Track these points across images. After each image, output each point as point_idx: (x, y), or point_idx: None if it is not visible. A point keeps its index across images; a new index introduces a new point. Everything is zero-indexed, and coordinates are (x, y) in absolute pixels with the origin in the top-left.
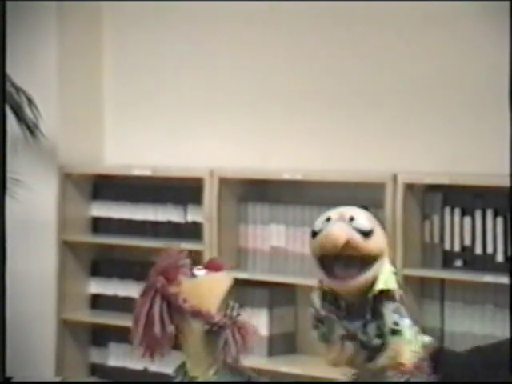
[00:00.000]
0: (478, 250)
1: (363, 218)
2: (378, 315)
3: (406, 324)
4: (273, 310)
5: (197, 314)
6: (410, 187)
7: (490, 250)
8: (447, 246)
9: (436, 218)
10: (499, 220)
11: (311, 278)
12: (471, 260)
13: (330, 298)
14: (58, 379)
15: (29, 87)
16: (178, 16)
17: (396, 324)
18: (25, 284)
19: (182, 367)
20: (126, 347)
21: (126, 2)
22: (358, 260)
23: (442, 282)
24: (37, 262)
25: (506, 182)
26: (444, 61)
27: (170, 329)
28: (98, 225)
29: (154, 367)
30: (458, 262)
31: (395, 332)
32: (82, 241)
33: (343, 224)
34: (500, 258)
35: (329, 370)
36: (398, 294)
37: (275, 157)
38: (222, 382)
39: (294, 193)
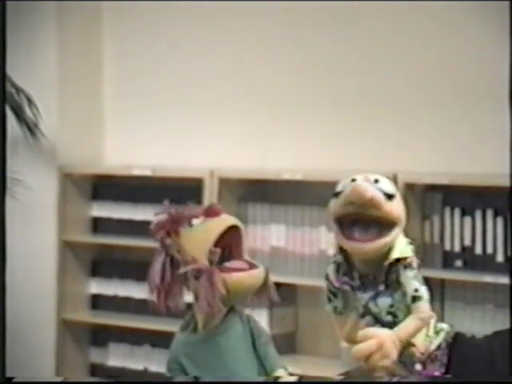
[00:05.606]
0: (478, 250)
1: (387, 183)
2: (392, 286)
3: (424, 290)
4: (273, 310)
5: (185, 262)
6: (409, 187)
7: (489, 250)
8: (447, 246)
9: (436, 218)
10: (499, 220)
11: (311, 278)
12: (471, 260)
13: (344, 269)
14: (59, 379)
15: (29, 87)
16: (178, 16)
17: (416, 291)
18: (25, 284)
19: (189, 321)
20: (125, 347)
21: (126, 2)
22: (376, 224)
23: (442, 282)
24: (37, 262)
25: (506, 182)
26: (444, 60)
27: (168, 279)
28: (98, 225)
29: (154, 367)
30: (458, 262)
31: (416, 298)
32: (82, 241)
33: (368, 183)
34: (500, 258)
35: (329, 370)
36: (416, 261)
37: (275, 157)
38: (230, 382)
39: (293, 193)
